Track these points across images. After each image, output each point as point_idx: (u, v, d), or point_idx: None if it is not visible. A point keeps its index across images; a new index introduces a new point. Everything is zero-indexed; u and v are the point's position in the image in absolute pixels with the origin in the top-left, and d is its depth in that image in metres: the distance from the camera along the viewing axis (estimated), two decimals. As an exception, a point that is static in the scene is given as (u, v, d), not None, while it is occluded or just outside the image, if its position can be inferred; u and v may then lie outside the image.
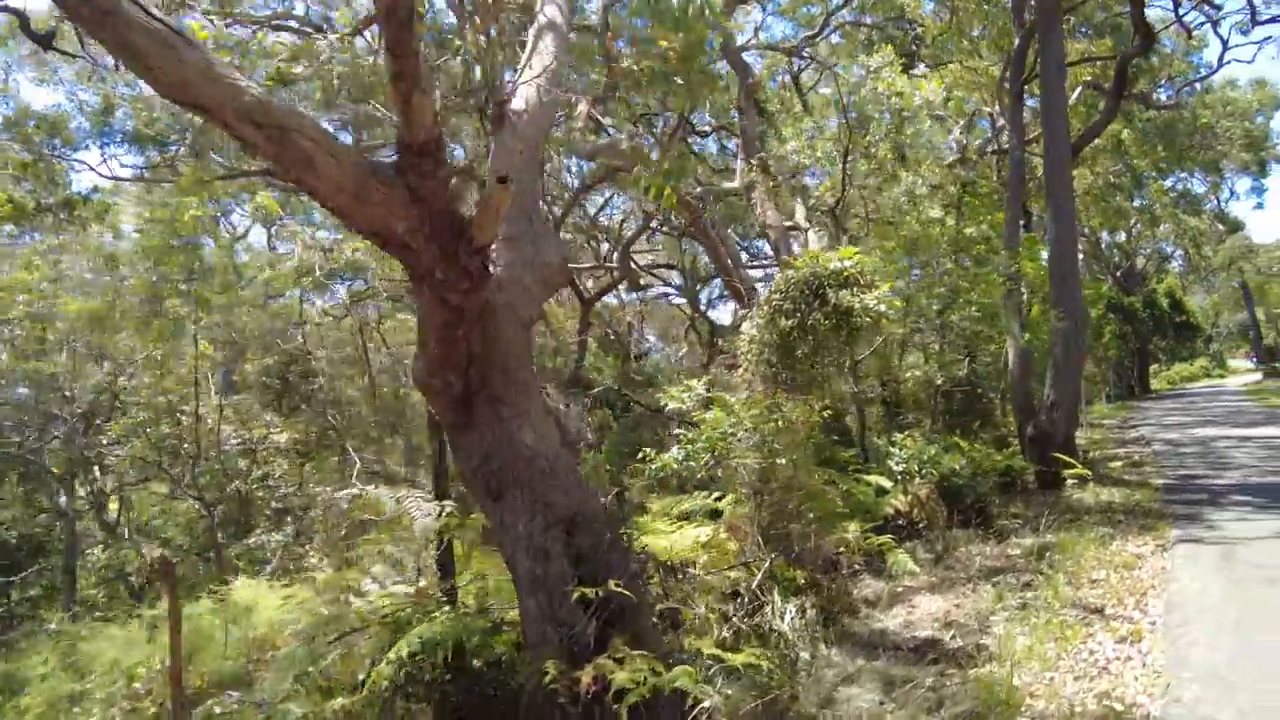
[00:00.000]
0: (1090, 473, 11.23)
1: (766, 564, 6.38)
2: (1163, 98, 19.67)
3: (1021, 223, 16.67)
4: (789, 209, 15.38)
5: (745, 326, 6.61)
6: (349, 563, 5.35)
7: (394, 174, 3.76)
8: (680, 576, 5.14)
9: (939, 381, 13.18)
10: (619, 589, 4.03)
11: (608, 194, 21.82)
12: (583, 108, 13.18)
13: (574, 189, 21.46)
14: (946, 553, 8.96)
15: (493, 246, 4.60)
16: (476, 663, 4.72)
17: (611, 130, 16.82)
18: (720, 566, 6.90)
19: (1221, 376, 58.72)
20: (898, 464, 9.99)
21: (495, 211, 3.84)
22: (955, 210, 13.82)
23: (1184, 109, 21.44)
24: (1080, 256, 43.22)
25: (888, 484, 9.97)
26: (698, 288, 20.48)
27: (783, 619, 6.28)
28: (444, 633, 4.53)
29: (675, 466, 6.73)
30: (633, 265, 15.91)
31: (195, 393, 9.83)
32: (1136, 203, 36.49)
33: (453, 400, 4.42)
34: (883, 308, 6.22)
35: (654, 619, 4.33)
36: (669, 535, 7.31)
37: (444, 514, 4.82)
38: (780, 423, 6.77)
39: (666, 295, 24.57)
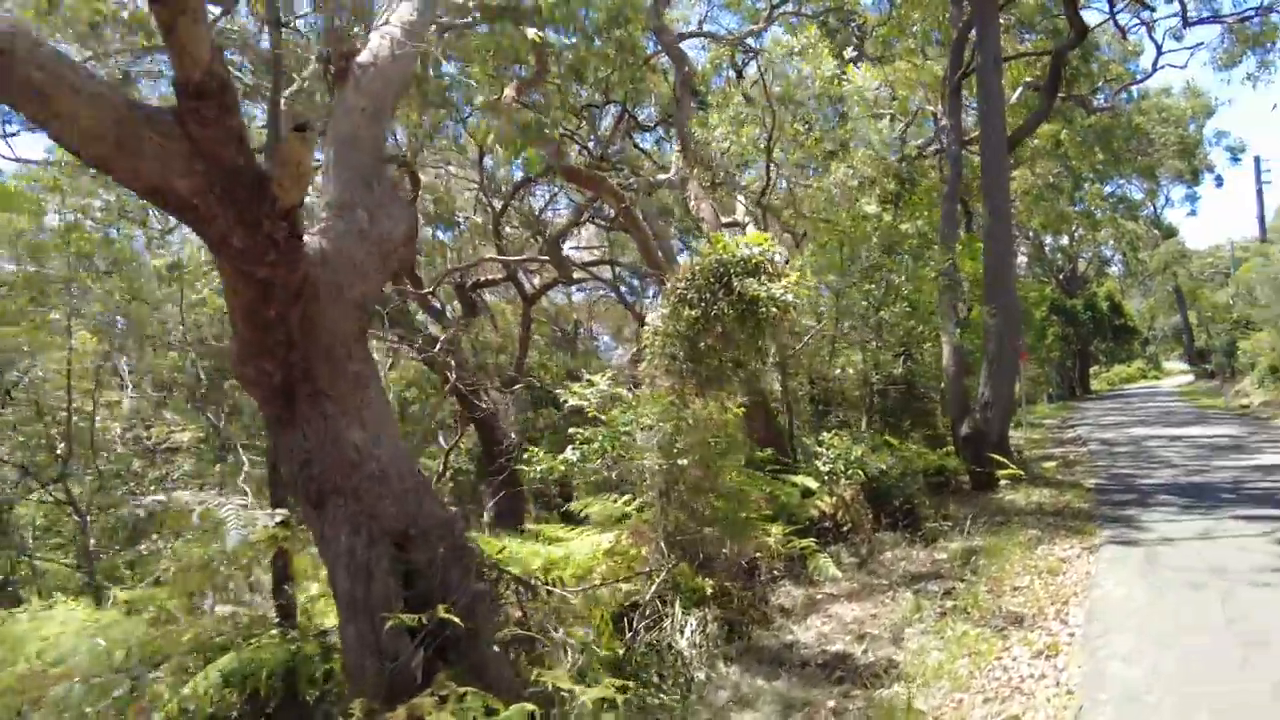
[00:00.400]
0: (1023, 473, 10.94)
1: (664, 573, 5.83)
2: (1101, 101, 19.69)
3: (963, 222, 16.48)
4: (730, 205, 14.93)
5: (650, 318, 6.04)
6: (160, 581, 4.66)
7: (172, 121, 3.09)
8: (548, 593, 4.52)
9: (874, 379, 12.82)
10: (452, 613, 3.41)
11: (555, 189, 21.20)
12: (509, 93, 12.53)
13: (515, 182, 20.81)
14: (871, 557, 8.52)
15: (322, 215, 3.95)
16: (312, 692, 4.07)
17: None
18: (620, 576, 6.33)
19: (1157, 378, 60.26)
20: (825, 464, 9.55)
21: (295, 167, 3.19)
22: (893, 206, 13.48)
23: (1120, 115, 21.59)
24: (1024, 259, 43.88)
25: (814, 484, 9.53)
26: (637, 282, 19.91)
27: (682, 634, 5.73)
28: (266, 659, 3.87)
29: (562, 469, 6.12)
30: (567, 259, 15.27)
31: (69, 388, 8.95)
32: (1078, 207, 37.07)
33: (272, 392, 3.76)
34: (790, 297, 5.70)
35: (501, 647, 3.70)
36: (568, 542, 6.72)
37: (273, 523, 4.15)
38: (689, 420, 6.21)
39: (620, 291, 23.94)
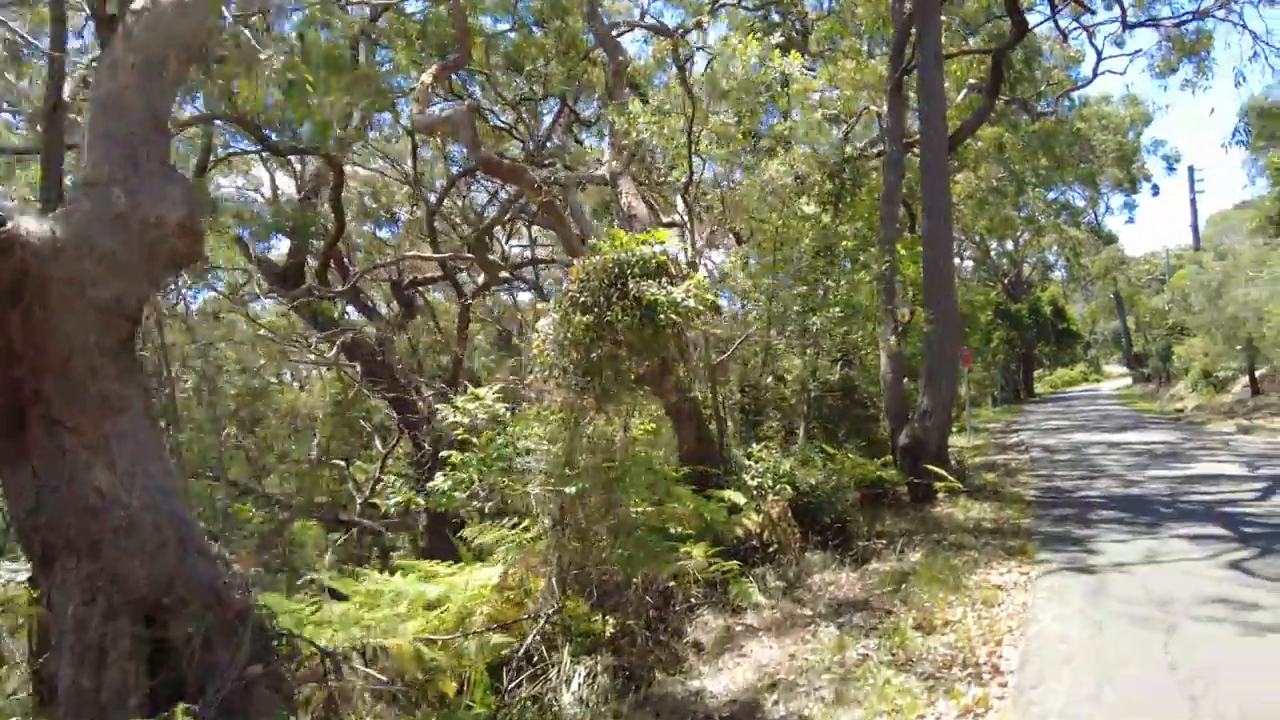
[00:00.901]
0: (962, 485, 10.42)
1: (552, 614, 5.06)
2: (1044, 106, 19.51)
3: (906, 225, 16.02)
4: (673, 202, 14.22)
5: (542, 324, 5.25)
6: None
7: None
8: (368, 660, 3.69)
9: (811, 387, 12.23)
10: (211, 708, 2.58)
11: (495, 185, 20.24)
12: (426, 78, 11.63)
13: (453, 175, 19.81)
14: (799, 580, 7.86)
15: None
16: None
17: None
18: (509, 618, 5.53)
19: (1098, 381, 61.65)
20: (753, 478, 8.89)
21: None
22: (832, 208, 12.90)
23: (1064, 122, 21.50)
24: (970, 264, 44.20)
25: (741, 500, 8.86)
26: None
27: (568, 686, 4.96)
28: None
29: (421, 502, 5.30)
30: (493, 258, 14.41)
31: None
32: (1023, 212, 37.35)
33: (-10, 419, 2.88)
34: (691, 302, 4.97)
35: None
36: (452, 578, 5.89)
37: (17, 580, 3.27)
38: (585, 441, 5.45)
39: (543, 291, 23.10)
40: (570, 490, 4.92)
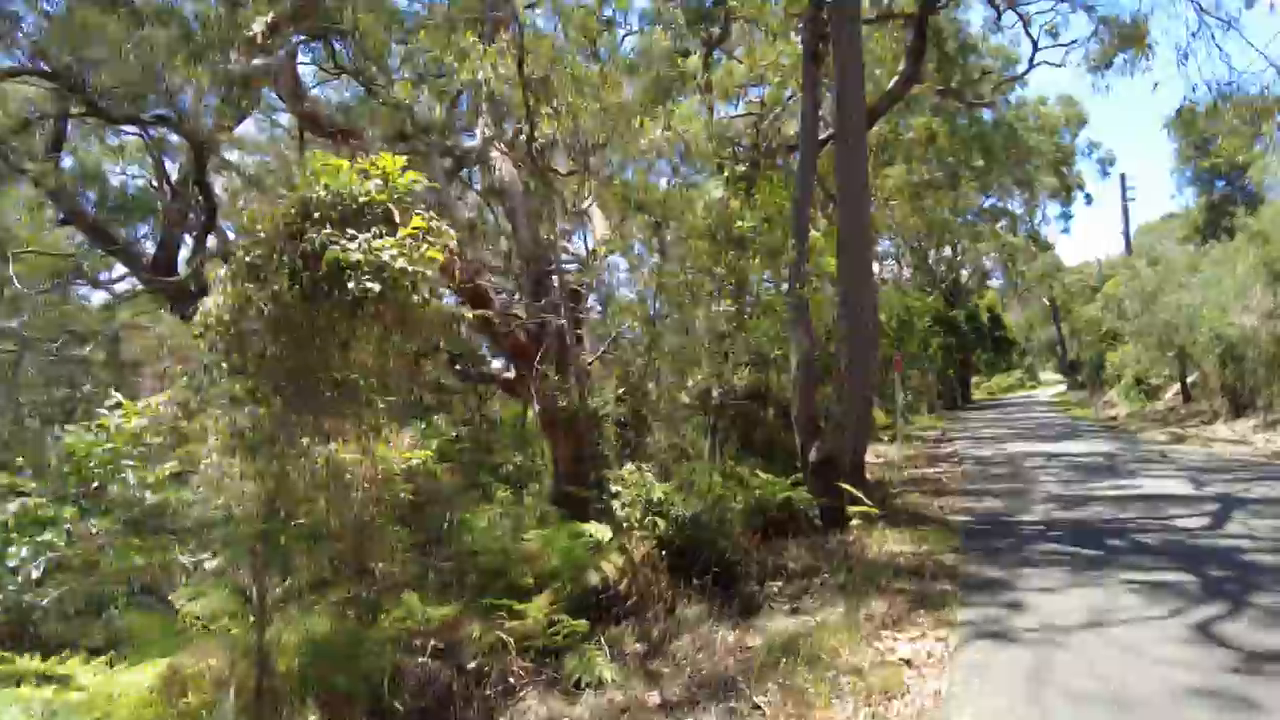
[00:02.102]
0: (877, 510, 8.73)
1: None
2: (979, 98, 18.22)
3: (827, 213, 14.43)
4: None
5: (206, 302, 3.30)
6: None
7: None
8: None
9: (715, 394, 10.48)
10: None
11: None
12: (257, 27, 9.58)
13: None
14: (666, 642, 6.04)
15: None
16: None
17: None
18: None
19: (1034, 388, 61.66)
20: (622, 507, 7.06)
21: None
22: (744, 192, 11.20)
23: (1000, 120, 20.36)
24: (909, 271, 43.37)
25: (607, 534, 7.02)
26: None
27: None
28: None
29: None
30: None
31: None
32: (961, 220, 36.55)
33: None
34: (403, 263, 3.09)
35: None
36: (88, 685, 3.89)
37: None
38: (288, 475, 3.52)
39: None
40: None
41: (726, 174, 10.71)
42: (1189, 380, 25.19)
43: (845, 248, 9.32)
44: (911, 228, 24.18)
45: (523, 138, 7.93)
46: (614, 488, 7.09)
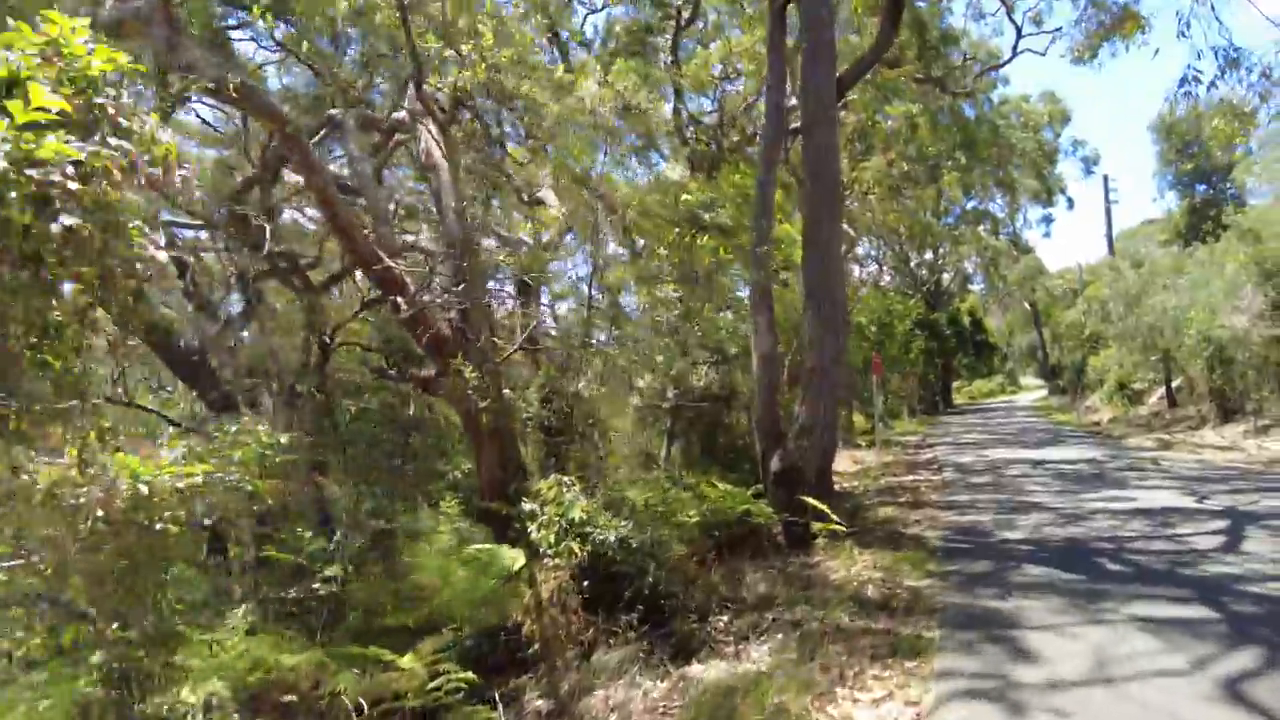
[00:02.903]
0: (845, 527, 7.62)
1: None
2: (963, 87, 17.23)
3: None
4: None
5: None
6: None
7: None
8: None
9: (670, 395, 9.36)
10: None
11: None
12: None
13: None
14: (573, 700, 4.89)
15: None
16: None
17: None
18: None
19: (1015, 393, 61.10)
20: (537, 529, 5.90)
21: None
22: (704, 175, 10.10)
23: (984, 120, 19.39)
24: (890, 275, 42.50)
25: (520, 559, 5.88)
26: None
27: None
28: None
29: None
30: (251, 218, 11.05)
31: None
32: (944, 221, 35.71)
33: None
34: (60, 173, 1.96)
35: None
36: None
37: None
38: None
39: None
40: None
41: (688, 149, 9.58)
42: (1174, 385, 24.36)
43: (813, 233, 8.23)
44: (892, 226, 23.15)
45: (420, 86, 6.74)
46: (529, 505, 5.93)
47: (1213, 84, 8.79)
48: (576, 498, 5.74)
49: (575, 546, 5.35)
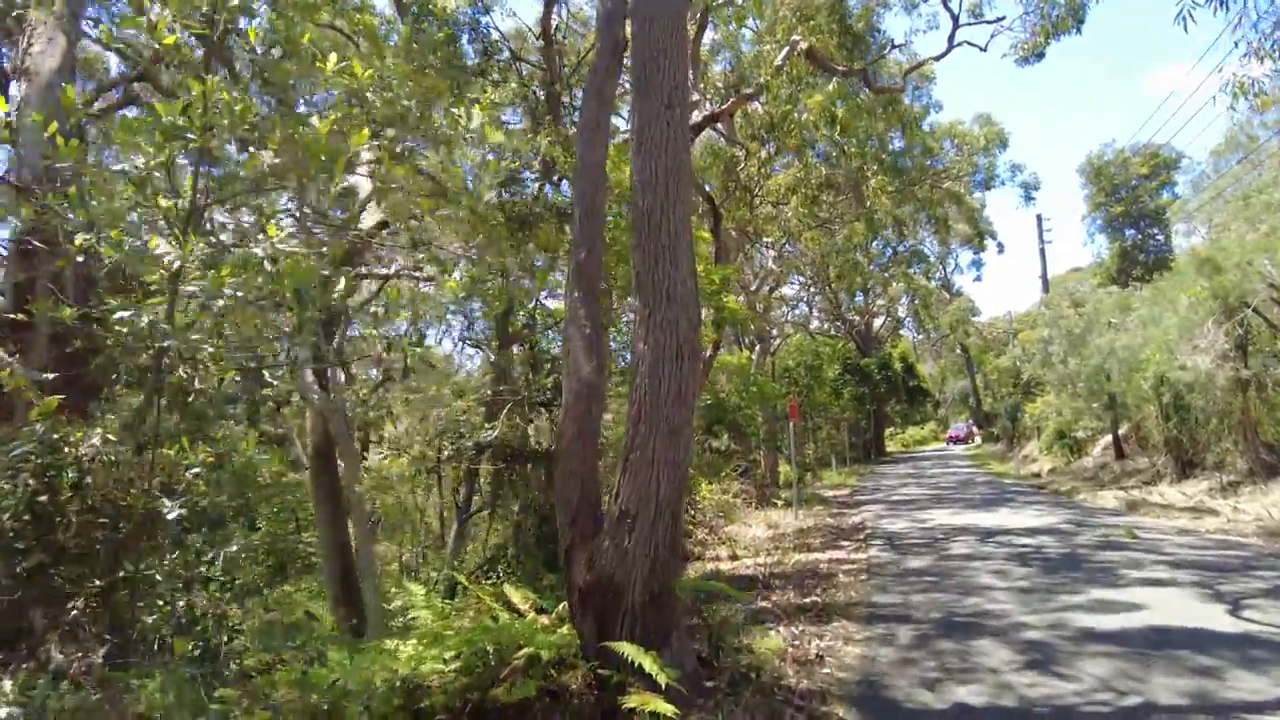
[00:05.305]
0: (682, 690, 4.11)
1: None
2: (889, 81, 14.56)
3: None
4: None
5: None
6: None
7: None
8: None
9: (465, 447, 5.83)
10: None
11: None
12: None
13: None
14: None
15: None
16: None
17: None
18: None
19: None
20: None
21: None
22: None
23: (917, 128, 16.88)
24: (820, 319, 40.11)
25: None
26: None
27: None
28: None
29: None
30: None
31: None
32: (874, 266, 33.57)
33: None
34: None
35: None
36: None
37: None
38: None
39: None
40: None
41: (487, 94, 6.20)
42: (1121, 433, 21.93)
43: (646, 190, 4.92)
44: (814, 249, 20.36)
45: None
46: None
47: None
48: None
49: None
